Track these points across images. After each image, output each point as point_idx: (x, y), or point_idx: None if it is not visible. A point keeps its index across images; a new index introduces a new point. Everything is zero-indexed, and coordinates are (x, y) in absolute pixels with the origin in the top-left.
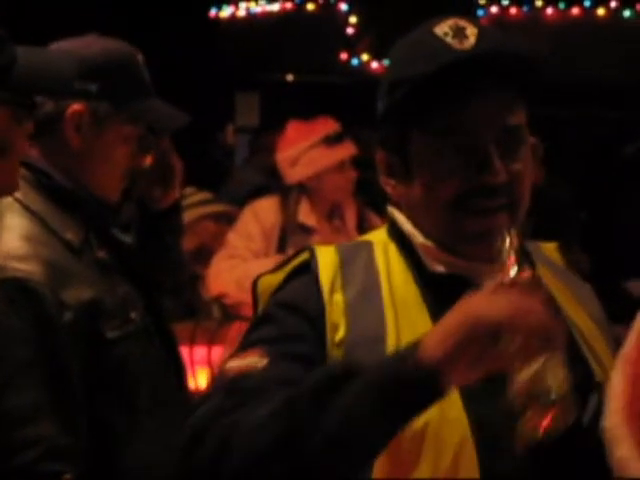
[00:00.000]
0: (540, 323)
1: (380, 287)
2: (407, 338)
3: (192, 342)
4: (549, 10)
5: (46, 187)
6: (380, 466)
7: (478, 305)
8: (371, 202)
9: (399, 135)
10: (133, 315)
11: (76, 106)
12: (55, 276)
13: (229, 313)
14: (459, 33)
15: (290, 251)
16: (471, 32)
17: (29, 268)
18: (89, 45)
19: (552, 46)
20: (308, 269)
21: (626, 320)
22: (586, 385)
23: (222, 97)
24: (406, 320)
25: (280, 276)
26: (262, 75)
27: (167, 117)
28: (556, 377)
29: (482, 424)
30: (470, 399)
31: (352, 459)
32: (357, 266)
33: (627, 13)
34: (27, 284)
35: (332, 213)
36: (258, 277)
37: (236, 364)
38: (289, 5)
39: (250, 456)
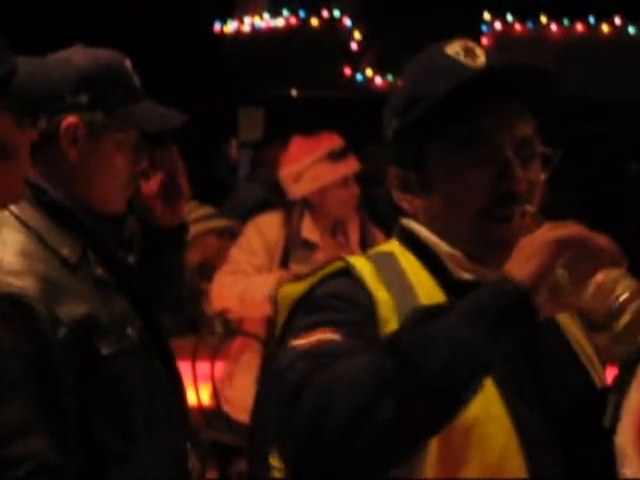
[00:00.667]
0: (604, 240)
1: (416, 291)
2: None
3: (195, 357)
4: (553, 26)
5: (44, 203)
6: (432, 463)
7: (551, 231)
8: (374, 217)
9: (417, 150)
10: (129, 331)
11: (70, 119)
12: (50, 292)
13: (232, 328)
14: (470, 52)
15: (293, 266)
16: (480, 52)
17: (23, 283)
18: (75, 56)
19: (556, 62)
20: (344, 274)
21: None
22: (589, 392)
23: (226, 111)
24: None
25: (304, 285)
26: (266, 90)
27: (159, 119)
28: (628, 285)
29: (522, 423)
30: (508, 399)
31: (461, 387)
32: (389, 272)
33: (631, 30)
34: (21, 299)
35: (335, 229)
36: (280, 286)
37: (305, 340)
38: (293, 20)
39: (356, 400)
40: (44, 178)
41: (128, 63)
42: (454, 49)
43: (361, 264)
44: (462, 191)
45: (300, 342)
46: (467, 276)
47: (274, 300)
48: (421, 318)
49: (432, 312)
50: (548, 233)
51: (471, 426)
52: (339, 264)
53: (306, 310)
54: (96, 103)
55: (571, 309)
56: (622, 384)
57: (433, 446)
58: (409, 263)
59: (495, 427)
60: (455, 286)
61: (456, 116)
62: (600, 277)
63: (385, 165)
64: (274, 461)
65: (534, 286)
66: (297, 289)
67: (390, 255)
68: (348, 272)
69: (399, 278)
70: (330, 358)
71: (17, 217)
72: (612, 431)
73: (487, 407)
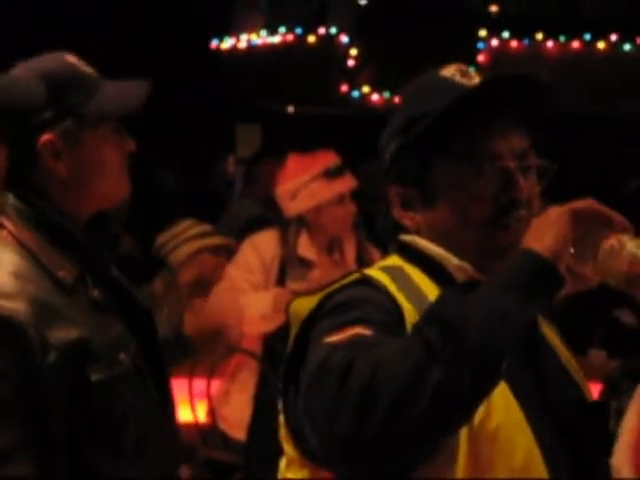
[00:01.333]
0: (613, 211)
1: (430, 301)
2: None
3: (191, 375)
4: (549, 43)
5: (42, 223)
6: (461, 468)
7: (563, 207)
8: (371, 235)
9: (419, 167)
10: (122, 357)
11: (44, 137)
12: (42, 315)
13: (229, 346)
14: (465, 74)
15: (289, 284)
16: (474, 73)
17: (15, 306)
18: (20, 76)
19: (552, 79)
20: (363, 283)
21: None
22: (581, 406)
23: (223, 128)
24: None
25: (317, 297)
26: (263, 106)
27: (125, 97)
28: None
29: (538, 431)
30: (523, 407)
31: (501, 349)
32: (404, 282)
33: (627, 47)
34: (12, 322)
35: (331, 246)
36: (294, 296)
37: (339, 337)
38: (290, 37)
39: (404, 371)
40: (40, 199)
41: (71, 57)
42: (449, 71)
43: (377, 275)
44: (467, 202)
45: (334, 338)
46: None
47: (287, 315)
48: (453, 294)
49: (462, 289)
50: (560, 208)
51: (496, 431)
52: (355, 276)
53: (331, 313)
54: (62, 113)
55: (590, 282)
56: (608, 398)
57: (463, 451)
58: (417, 276)
59: (517, 433)
60: None
61: (456, 131)
62: (611, 241)
63: (381, 182)
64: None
65: (555, 256)
66: (310, 302)
67: (399, 268)
68: (367, 282)
69: (413, 289)
70: (369, 346)
71: (14, 237)
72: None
73: (508, 413)
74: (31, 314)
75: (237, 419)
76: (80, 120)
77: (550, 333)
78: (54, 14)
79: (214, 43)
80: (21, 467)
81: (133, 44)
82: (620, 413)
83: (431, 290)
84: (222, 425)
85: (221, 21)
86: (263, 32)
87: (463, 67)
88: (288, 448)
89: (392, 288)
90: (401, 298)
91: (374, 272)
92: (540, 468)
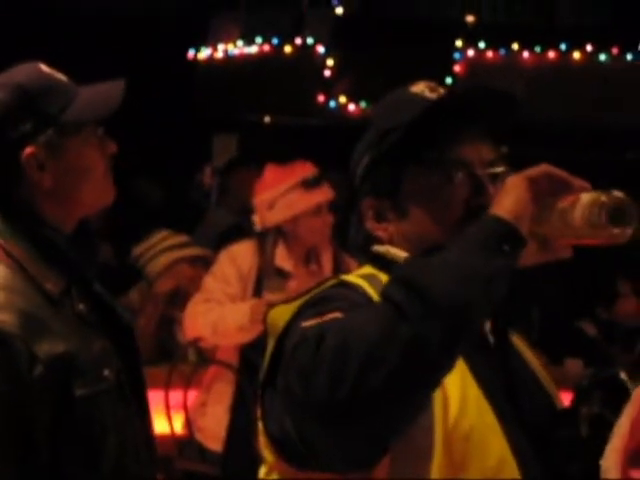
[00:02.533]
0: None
1: None
2: None
3: (167, 386)
4: (525, 53)
5: (29, 236)
6: (438, 466)
7: (520, 173)
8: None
9: (391, 178)
10: (106, 373)
11: (27, 150)
12: (29, 328)
13: (205, 357)
14: (433, 89)
15: (266, 295)
16: (442, 89)
17: (2, 317)
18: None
19: (528, 89)
20: (340, 286)
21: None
22: (551, 412)
23: (200, 138)
24: None
25: (294, 306)
26: (240, 117)
27: (104, 101)
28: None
29: (509, 434)
30: (495, 411)
31: (469, 303)
32: (380, 288)
33: (602, 57)
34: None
35: (309, 257)
36: (271, 307)
37: (315, 321)
38: (267, 47)
39: (374, 330)
40: (26, 211)
41: (44, 67)
42: (419, 88)
43: (355, 279)
44: (438, 208)
45: (309, 322)
46: None
47: (265, 324)
48: (417, 257)
49: (426, 253)
50: (517, 175)
51: (469, 433)
52: (332, 281)
53: (309, 309)
54: (41, 124)
55: (561, 253)
56: (578, 405)
57: (438, 450)
58: None
59: (490, 436)
60: None
61: (427, 142)
62: (567, 199)
63: (349, 193)
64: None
65: (514, 216)
66: (287, 311)
67: (375, 276)
68: (344, 284)
69: None
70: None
71: (2, 248)
72: (589, 444)
73: (482, 415)
74: (18, 326)
75: (214, 430)
76: (60, 129)
77: (519, 343)
78: (30, 26)
79: (191, 53)
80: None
81: (109, 55)
82: (593, 420)
83: None
84: (199, 436)
85: (198, 31)
86: (240, 42)
87: (432, 84)
88: (267, 455)
89: (370, 291)
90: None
91: (351, 278)
92: (513, 471)
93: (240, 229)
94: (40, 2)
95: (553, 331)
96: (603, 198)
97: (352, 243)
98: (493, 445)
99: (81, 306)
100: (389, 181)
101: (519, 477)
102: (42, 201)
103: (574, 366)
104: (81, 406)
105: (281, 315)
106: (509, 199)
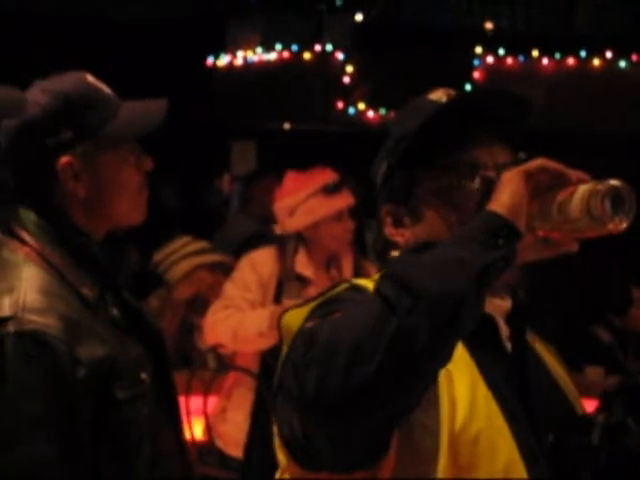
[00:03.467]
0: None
1: None
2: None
3: (188, 392)
4: (545, 60)
5: (63, 241)
6: (443, 470)
7: (516, 169)
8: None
9: (406, 183)
10: (143, 376)
11: (63, 159)
12: (71, 331)
13: (225, 363)
14: (451, 96)
15: (286, 301)
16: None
17: (46, 321)
18: (39, 97)
19: (547, 96)
20: (352, 290)
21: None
22: (573, 417)
23: (218, 145)
24: None
25: (307, 309)
26: (259, 123)
27: (144, 118)
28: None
29: (518, 438)
30: (505, 415)
31: (457, 298)
32: None
33: (622, 64)
34: (44, 337)
35: (329, 263)
36: (285, 311)
37: (317, 320)
38: (286, 54)
39: (362, 325)
40: (60, 217)
41: (91, 78)
42: (437, 95)
43: (366, 283)
44: (451, 211)
45: (312, 322)
46: None
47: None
48: (409, 253)
49: (419, 249)
50: (512, 170)
51: (477, 436)
52: (345, 285)
53: (317, 310)
54: (80, 134)
55: (567, 246)
56: (606, 412)
57: (443, 453)
58: None
59: (499, 439)
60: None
61: (440, 146)
62: (565, 192)
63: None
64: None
65: (509, 210)
66: (301, 314)
67: None
68: (356, 288)
69: None
70: (339, 314)
71: (39, 254)
72: (600, 451)
73: (490, 419)
74: (62, 330)
75: (234, 436)
76: (98, 142)
77: (543, 350)
78: (51, 35)
79: (210, 60)
80: None
81: (127, 62)
82: (610, 427)
83: None
84: (219, 443)
85: (217, 38)
86: (259, 49)
87: (450, 91)
88: (281, 457)
89: None
90: None
91: (363, 281)
92: (521, 475)
93: (262, 237)
94: (56, 6)
95: (570, 339)
96: (599, 187)
97: (372, 249)
98: (501, 448)
99: (114, 311)
100: (404, 187)
101: None
102: (75, 210)
103: (595, 374)
104: (121, 408)
105: (294, 319)
106: (504, 193)
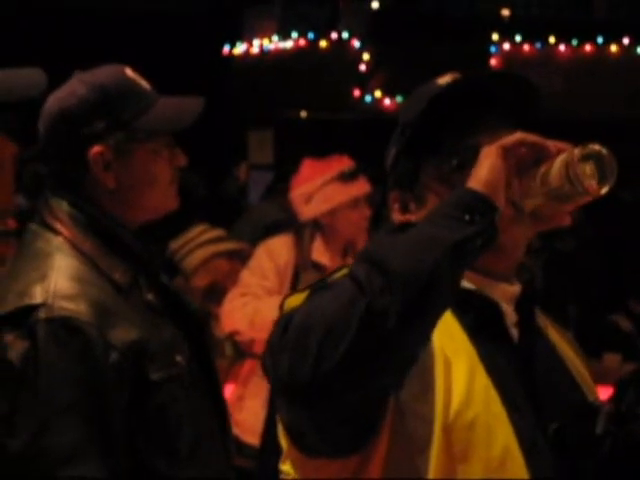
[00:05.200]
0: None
1: None
2: (444, 337)
3: None
4: (562, 47)
5: (96, 229)
6: (435, 459)
7: (493, 144)
8: None
9: (412, 169)
10: (179, 358)
11: (95, 148)
12: (102, 316)
13: (242, 351)
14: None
15: None
16: None
17: (77, 307)
18: (77, 87)
19: (565, 82)
20: None
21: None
22: (582, 405)
23: (235, 134)
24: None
25: (307, 294)
26: (275, 112)
27: (179, 114)
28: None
29: (517, 425)
30: (504, 402)
31: (429, 275)
32: None
33: (639, 50)
34: (74, 323)
35: (346, 251)
36: (286, 296)
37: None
38: (302, 42)
39: (334, 307)
40: (92, 206)
41: (129, 71)
42: (445, 79)
43: None
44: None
45: (293, 298)
46: (468, 285)
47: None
48: (384, 234)
49: (396, 229)
50: (498, 156)
51: (473, 422)
52: (344, 270)
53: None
54: (113, 125)
55: (559, 220)
56: (618, 399)
57: (436, 440)
58: None
59: (496, 426)
60: (457, 296)
61: (443, 132)
62: (545, 165)
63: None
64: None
65: (485, 185)
66: (302, 298)
67: None
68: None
69: None
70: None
71: (71, 243)
72: (604, 440)
73: (488, 405)
74: (93, 315)
75: (251, 424)
76: (131, 134)
77: (557, 336)
78: (72, 26)
79: (226, 48)
80: (85, 466)
81: (144, 51)
82: (621, 416)
83: None
84: (236, 430)
85: (233, 27)
86: (275, 37)
87: (459, 75)
88: (283, 442)
89: None
90: None
91: None
92: (518, 462)
93: (286, 224)
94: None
95: (590, 326)
96: (576, 151)
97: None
98: (498, 435)
99: (149, 296)
100: (410, 173)
101: (524, 468)
102: (105, 199)
103: (612, 361)
104: (156, 391)
105: (295, 303)
106: (482, 169)
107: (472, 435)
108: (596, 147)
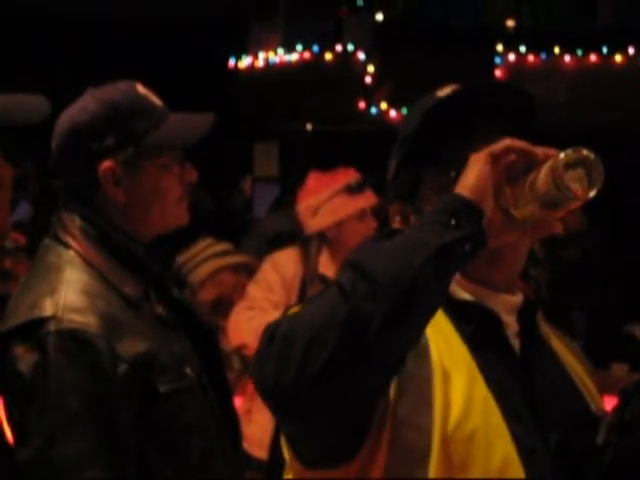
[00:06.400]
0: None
1: None
2: (443, 349)
3: None
4: (567, 57)
5: (106, 243)
6: (434, 469)
7: (482, 152)
8: None
9: (411, 181)
10: (188, 370)
11: (105, 164)
12: (111, 328)
13: (249, 364)
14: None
15: None
16: None
17: (85, 320)
18: (88, 102)
19: (570, 93)
20: None
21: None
22: (586, 416)
23: (241, 147)
24: (438, 332)
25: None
26: (281, 125)
27: (189, 130)
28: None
29: (517, 436)
30: (504, 413)
31: (413, 281)
32: None
33: None
34: (83, 335)
35: None
36: (287, 309)
37: (297, 308)
38: (307, 55)
39: (318, 314)
40: (103, 220)
41: (141, 88)
42: (445, 91)
43: None
44: None
45: (292, 310)
46: (467, 296)
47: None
48: (371, 241)
49: (384, 236)
50: (485, 162)
51: (472, 435)
52: None
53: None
54: (124, 141)
55: (552, 228)
56: (622, 409)
57: (435, 453)
58: None
59: (495, 437)
60: (456, 307)
61: (441, 143)
62: (533, 173)
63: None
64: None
65: (472, 191)
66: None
67: None
68: None
69: None
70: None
71: (81, 257)
72: (603, 451)
73: (487, 417)
74: (101, 327)
75: (258, 438)
76: (141, 150)
77: (560, 346)
78: (75, 40)
79: (231, 62)
80: (95, 476)
81: (150, 64)
82: (623, 426)
83: None
84: (244, 444)
85: (238, 40)
86: (280, 50)
87: (459, 87)
88: (286, 454)
89: None
90: None
91: None
92: (517, 473)
93: (289, 236)
94: (75, 8)
95: (600, 335)
96: (561, 156)
97: None
98: (498, 447)
99: (160, 309)
100: (410, 185)
101: (523, 478)
102: (116, 214)
103: (620, 371)
104: (165, 403)
105: None
106: (469, 175)
107: (471, 447)
108: (582, 152)
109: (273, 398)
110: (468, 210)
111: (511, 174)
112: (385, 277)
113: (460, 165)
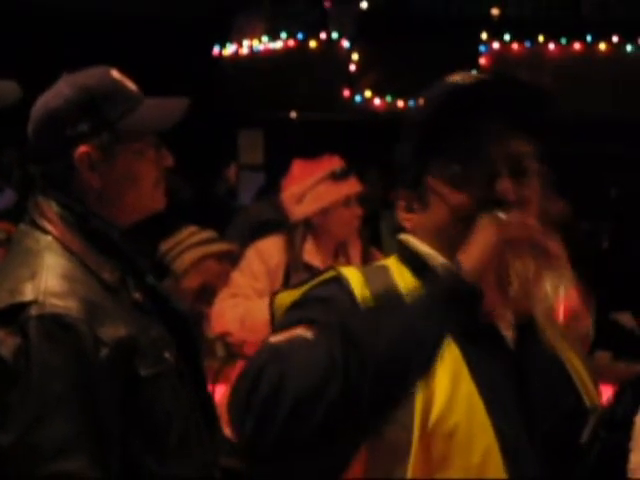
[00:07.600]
0: (544, 242)
1: (404, 300)
2: None
3: None
4: (551, 45)
5: (84, 229)
6: (413, 465)
7: (498, 230)
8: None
9: (418, 169)
10: (167, 355)
11: (81, 149)
12: (92, 313)
13: (233, 352)
14: (468, 79)
15: None
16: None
17: (67, 304)
18: (63, 88)
19: (554, 81)
20: (334, 281)
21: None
22: (578, 409)
23: (225, 135)
24: None
25: (298, 292)
26: (265, 113)
27: (164, 115)
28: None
29: (502, 432)
30: (490, 409)
31: (405, 366)
32: (379, 283)
33: (629, 48)
34: (66, 319)
35: (337, 252)
36: (276, 293)
37: (281, 337)
38: (292, 43)
39: (306, 383)
40: (80, 206)
41: (115, 73)
42: (456, 78)
43: (351, 274)
44: (454, 200)
45: (277, 338)
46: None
47: (271, 307)
48: (373, 310)
49: (385, 304)
50: (494, 233)
51: (453, 432)
52: (330, 273)
53: (291, 311)
54: (98, 126)
55: (523, 310)
56: (616, 403)
57: (414, 449)
58: (402, 277)
59: (478, 433)
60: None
61: (450, 133)
62: (544, 287)
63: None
64: None
65: (475, 270)
66: (291, 297)
67: (383, 267)
68: (337, 279)
69: (387, 287)
70: (292, 351)
71: (60, 242)
72: (589, 447)
73: (470, 414)
74: (83, 312)
75: None
76: (116, 134)
77: (560, 339)
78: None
79: (216, 49)
80: (75, 460)
81: (133, 52)
82: (614, 422)
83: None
84: (227, 431)
85: (223, 28)
86: (265, 38)
87: (468, 74)
88: None
89: (357, 289)
90: (366, 296)
91: (349, 271)
92: (498, 469)
93: (272, 224)
94: (59, 4)
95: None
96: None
97: (390, 233)
98: (479, 444)
99: (137, 295)
100: (416, 173)
101: (504, 475)
102: (92, 199)
103: (603, 358)
104: (146, 387)
105: (285, 300)
106: (475, 245)
107: (452, 443)
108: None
109: (249, 451)
110: (468, 293)
111: (515, 246)
112: (381, 363)
113: (464, 157)
